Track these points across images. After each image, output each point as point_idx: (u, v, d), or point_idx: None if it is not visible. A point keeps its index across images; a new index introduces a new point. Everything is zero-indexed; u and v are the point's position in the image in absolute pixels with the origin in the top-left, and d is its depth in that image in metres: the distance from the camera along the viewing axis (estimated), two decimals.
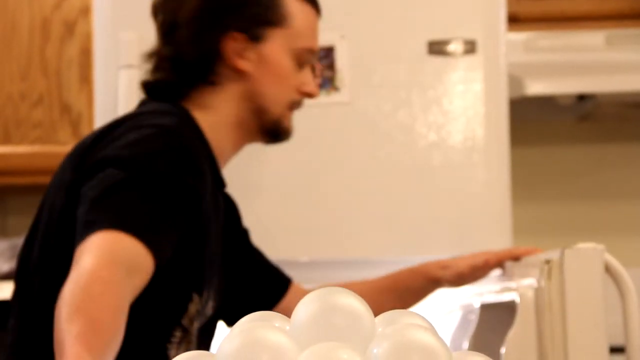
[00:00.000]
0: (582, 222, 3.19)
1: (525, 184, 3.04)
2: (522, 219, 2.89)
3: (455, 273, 2.01)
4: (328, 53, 2.37)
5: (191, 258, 1.72)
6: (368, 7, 2.39)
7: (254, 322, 0.95)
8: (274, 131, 1.88)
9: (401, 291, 2.05)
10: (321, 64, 2.37)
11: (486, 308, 1.94)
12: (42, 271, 1.71)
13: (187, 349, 1.73)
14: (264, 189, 2.34)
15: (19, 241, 2.90)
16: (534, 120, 3.13)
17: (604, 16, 2.91)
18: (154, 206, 1.60)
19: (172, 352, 1.71)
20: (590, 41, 2.87)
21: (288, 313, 2.09)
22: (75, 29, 2.92)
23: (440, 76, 2.38)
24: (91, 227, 1.56)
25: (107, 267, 1.49)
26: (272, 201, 2.34)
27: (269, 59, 1.84)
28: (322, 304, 0.92)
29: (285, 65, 1.85)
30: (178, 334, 1.72)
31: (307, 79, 1.90)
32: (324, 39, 2.37)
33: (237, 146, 1.88)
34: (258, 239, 2.06)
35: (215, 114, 1.83)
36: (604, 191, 3.19)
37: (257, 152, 2.35)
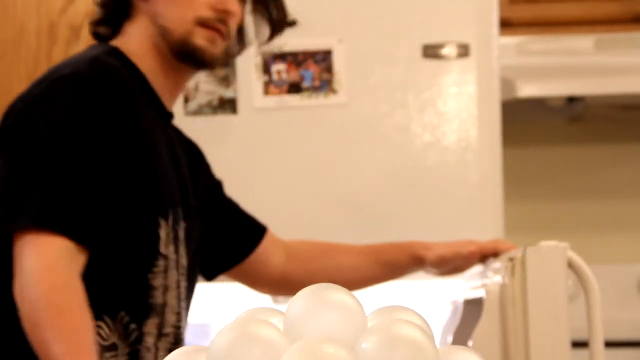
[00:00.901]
0: (571, 220, 3.19)
1: (516, 183, 3.04)
2: (513, 217, 2.88)
3: (437, 255, 1.97)
4: (326, 56, 2.37)
5: (144, 184, 1.69)
6: (365, 12, 2.39)
7: (248, 317, 0.94)
8: (183, 51, 1.76)
9: (383, 263, 2.01)
10: (319, 67, 2.37)
11: (467, 303, 1.94)
12: None
13: (172, 276, 1.72)
14: (264, 189, 2.33)
15: None
16: (525, 122, 3.13)
17: (594, 21, 2.91)
18: (66, 185, 1.59)
19: (156, 281, 1.69)
20: (580, 45, 2.87)
21: (263, 261, 2.07)
22: (81, 32, 2.92)
23: (435, 79, 2.38)
24: (10, 221, 1.59)
25: (55, 275, 1.55)
26: (272, 200, 2.34)
27: None
28: (314, 299, 0.91)
29: None
30: (160, 262, 1.69)
31: None
32: (322, 43, 2.38)
33: (168, 74, 1.79)
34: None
35: (135, 44, 1.78)
36: (594, 190, 3.19)
37: (257, 153, 2.34)
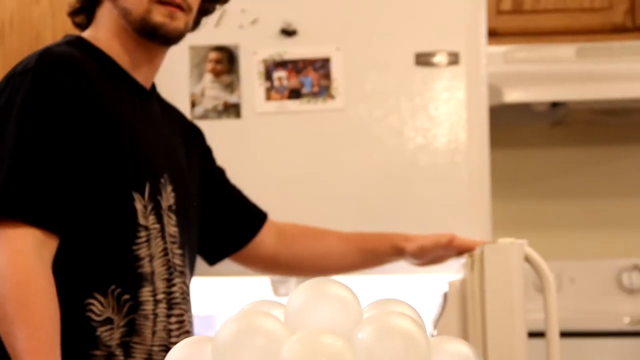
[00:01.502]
0: (555, 217, 3.19)
1: (503, 183, 3.04)
2: (500, 215, 2.88)
3: (417, 246, 1.97)
4: (324, 64, 2.36)
5: (110, 161, 1.65)
6: (361, 22, 2.38)
7: (251, 309, 0.94)
8: (144, 29, 1.72)
9: (366, 251, 2.01)
10: (318, 74, 2.37)
11: (444, 296, 1.95)
12: None
13: (157, 245, 1.69)
14: (265, 188, 2.32)
15: None
16: (511, 125, 3.13)
17: (575, 31, 2.91)
18: (28, 174, 1.57)
19: (141, 251, 1.67)
20: (562, 54, 2.86)
21: (258, 243, 2.02)
22: None
23: (427, 85, 2.38)
24: None
25: (21, 269, 1.53)
26: (273, 198, 2.33)
27: None
28: (313, 293, 0.91)
29: None
30: (142, 234, 1.67)
31: None
32: (320, 51, 2.37)
33: (137, 53, 1.76)
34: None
35: (103, 28, 1.76)
36: (575, 190, 3.19)
37: (260, 154, 2.34)
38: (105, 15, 1.76)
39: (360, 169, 2.38)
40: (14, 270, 1.53)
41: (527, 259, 1.76)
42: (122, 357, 1.63)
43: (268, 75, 2.37)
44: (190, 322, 1.76)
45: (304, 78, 2.36)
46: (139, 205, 1.67)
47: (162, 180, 1.73)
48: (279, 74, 2.37)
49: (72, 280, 1.61)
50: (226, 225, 1.97)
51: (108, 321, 1.63)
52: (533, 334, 3.06)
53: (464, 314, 1.74)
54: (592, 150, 3.20)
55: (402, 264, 2.08)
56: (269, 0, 2.39)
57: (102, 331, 1.62)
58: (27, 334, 1.50)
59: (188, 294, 1.78)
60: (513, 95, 2.80)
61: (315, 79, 2.37)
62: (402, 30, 2.38)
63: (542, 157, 3.20)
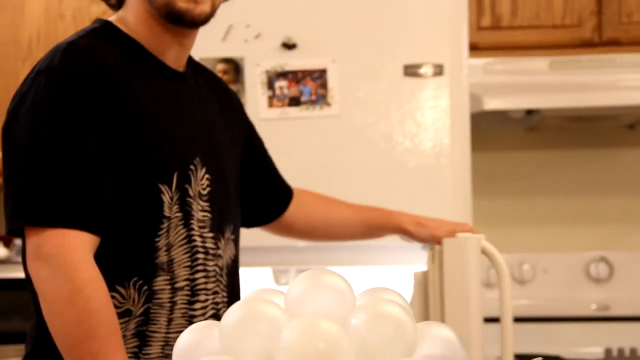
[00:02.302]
0: (529, 214, 3.18)
1: (483, 183, 3.03)
2: (481, 212, 2.88)
3: (430, 235, 1.86)
4: (321, 74, 2.36)
5: (137, 159, 1.52)
6: (354, 37, 2.38)
7: (254, 297, 0.94)
8: (169, 14, 1.57)
9: (373, 227, 1.93)
10: (316, 83, 2.36)
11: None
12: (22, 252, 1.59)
13: (177, 234, 1.57)
14: None
15: None
16: (490, 130, 3.13)
17: (548, 46, 2.91)
18: (72, 180, 1.45)
19: (160, 242, 1.54)
20: (536, 66, 2.86)
21: (282, 217, 1.88)
22: None
23: (414, 94, 2.38)
24: (17, 220, 1.45)
25: (83, 272, 1.42)
26: None
27: None
28: (311, 282, 0.90)
29: None
30: (164, 225, 1.54)
31: None
32: (318, 63, 2.37)
33: (166, 36, 1.61)
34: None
35: (132, 13, 1.61)
36: (548, 189, 3.19)
37: None
38: (134, 1, 1.61)
39: (354, 169, 2.37)
40: (75, 273, 1.42)
41: (484, 252, 1.75)
42: (136, 347, 1.52)
43: (270, 85, 2.36)
44: (226, 302, 1.63)
45: (303, 87, 2.36)
46: (165, 197, 1.54)
47: (193, 167, 1.60)
48: (280, 84, 2.36)
49: None
50: (260, 199, 1.85)
51: (127, 313, 1.51)
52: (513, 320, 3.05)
53: (426, 302, 1.73)
54: (563, 153, 3.20)
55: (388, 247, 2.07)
56: (271, 16, 2.38)
57: (120, 322, 1.49)
58: (94, 335, 1.42)
59: (228, 273, 1.65)
60: (492, 104, 2.79)
61: (313, 88, 2.36)
62: (392, 44, 2.38)
63: (518, 159, 3.20)
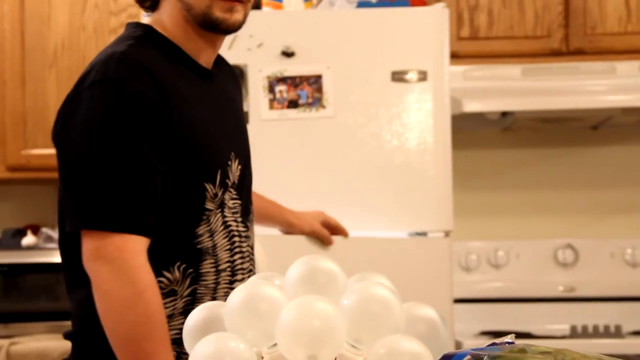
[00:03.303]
0: (504, 206, 3.18)
1: (463, 178, 3.03)
2: (460, 204, 2.87)
3: (309, 227, 2.03)
4: (317, 79, 2.35)
5: (186, 165, 1.49)
6: (347, 46, 2.38)
7: (256, 280, 0.93)
8: (206, 23, 1.53)
9: (266, 217, 1.95)
10: (312, 88, 2.35)
11: None
12: (60, 243, 1.56)
13: (216, 221, 1.53)
14: (268, 182, 2.31)
15: None
16: (469, 131, 3.12)
17: (521, 54, 2.91)
18: (125, 186, 1.42)
19: (201, 229, 1.51)
20: (510, 73, 2.86)
21: None
22: None
23: (401, 97, 2.37)
24: (80, 223, 1.43)
25: (142, 275, 1.41)
26: (274, 191, 2.32)
27: None
28: (307, 267, 0.89)
29: None
30: (205, 215, 1.52)
31: None
32: (314, 70, 2.36)
33: (200, 39, 1.57)
34: None
35: (168, 17, 1.56)
36: (521, 183, 3.19)
37: (264, 154, 2.33)
38: (169, 6, 1.56)
39: (346, 165, 2.37)
40: (135, 276, 1.40)
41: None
42: (183, 324, 1.51)
43: (271, 89, 2.35)
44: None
45: (300, 91, 2.35)
46: (209, 194, 1.52)
47: (229, 162, 1.57)
48: (280, 88, 2.35)
49: None
50: None
51: (172, 293, 1.48)
52: (483, 300, 3.06)
53: None
54: (534, 151, 3.20)
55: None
56: (272, 28, 2.38)
57: (166, 302, 1.47)
58: (155, 336, 1.41)
59: (254, 253, 1.64)
60: (471, 106, 2.79)
61: (309, 92, 2.35)
62: (381, 53, 2.38)
63: (494, 156, 3.19)
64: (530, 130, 3.17)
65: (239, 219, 1.58)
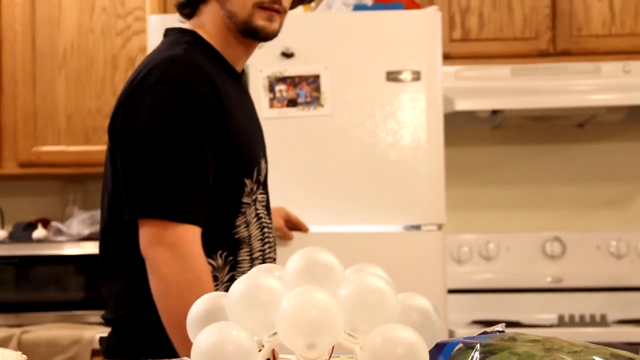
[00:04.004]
0: (494, 200, 3.18)
1: (455, 174, 3.03)
2: (452, 198, 2.87)
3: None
4: (315, 79, 2.35)
5: (233, 161, 1.54)
6: (344, 47, 2.37)
7: (257, 271, 0.92)
8: (247, 30, 1.57)
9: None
10: (310, 87, 2.35)
11: None
12: (106, 231, 1.59)
13: (250, 212, 1.59)
14: (269, 177, 2.31)
15: (96, 212, 2.88)
16: (461, 128, 3.12)
17: (510, 55, 2.91)
18: (181, 178, 1.46)
19: (238, 221, 1.57)
20: (500, 73, 2.86)
21: None
22: (135, 62, 2.89)
23: (395, 96, 2.37)
24: (144, 212, 1.46)
25: (194, 269, 1.44)
26: (274, 186, 2.32)
27: None
28: (306, 258, 0.89)
29: None
30: (242, 209, 1.58)
31: None
32: (312, 70, 2.36)
33: (238, 45, 1.60)
34: None
35: (209, 23, 1.60)
36: (510, 179, 3.19)
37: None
38: (211, 13, 1.59)
39: (343, 161, 2.37)
40: (194, 263, 1.44)
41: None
42: None
43: (271, 88, 2.35)
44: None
45: (299, 91, 2.35)
46: (247, 189, 1.58)
47: (260, 159, 1.64)
48: (280, 87, 2.35)
49: None
50: None
51: (214, 279, 1.53)
52: (475, 291, 3.05)
53: None
54: (523, 148, 3.20)
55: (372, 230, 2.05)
56: None
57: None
58: None
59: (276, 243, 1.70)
60: (462, 105, 2.79)
61: (308, 92, 2.35)
62: (376, 54, 2.37)
63: (485, 153, 3.19)
64: (519, 127, 3.17)
65: (266, 212, 1.64)
